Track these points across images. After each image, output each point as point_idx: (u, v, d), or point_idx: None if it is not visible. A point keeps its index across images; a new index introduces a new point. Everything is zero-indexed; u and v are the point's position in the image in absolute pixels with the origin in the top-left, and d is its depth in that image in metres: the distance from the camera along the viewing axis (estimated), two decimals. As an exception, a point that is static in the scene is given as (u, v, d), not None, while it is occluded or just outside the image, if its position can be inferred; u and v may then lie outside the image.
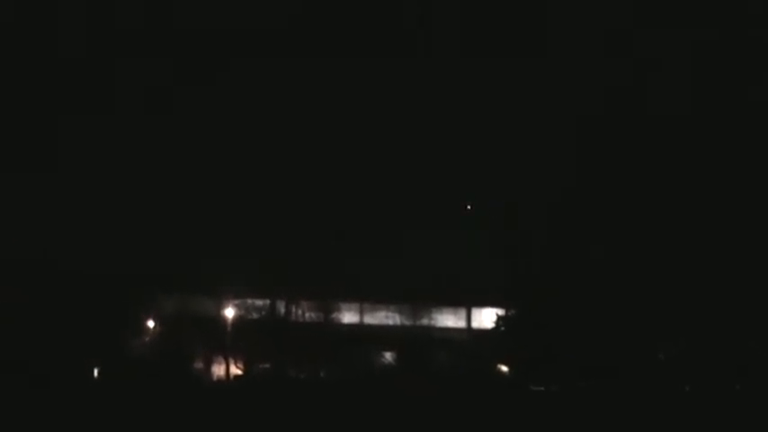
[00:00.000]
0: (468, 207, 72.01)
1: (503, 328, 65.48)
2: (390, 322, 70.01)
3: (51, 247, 63.62)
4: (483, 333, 68.32)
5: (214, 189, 69.79)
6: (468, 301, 71.35)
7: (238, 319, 66.56)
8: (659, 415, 51.58)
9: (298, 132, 70.95)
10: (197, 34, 70.58)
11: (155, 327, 66.97)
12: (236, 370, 66.78)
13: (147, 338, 66.85)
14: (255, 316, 67.41)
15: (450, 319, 71.62)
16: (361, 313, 71.04)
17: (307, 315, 67.36)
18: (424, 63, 70.92)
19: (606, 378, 58.54)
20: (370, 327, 69.92)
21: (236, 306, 67.05)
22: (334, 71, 71.61)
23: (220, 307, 66.82)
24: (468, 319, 72.32)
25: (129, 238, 65.89)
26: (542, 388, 62.82)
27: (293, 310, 67.34)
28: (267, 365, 66.84)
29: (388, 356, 67.55)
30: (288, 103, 71.43)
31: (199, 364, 67.09)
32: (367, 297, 70.34)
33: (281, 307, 67.61)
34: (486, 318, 68.89)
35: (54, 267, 62.70)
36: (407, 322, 69.51)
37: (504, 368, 66.38)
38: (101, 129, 68.41)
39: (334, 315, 68.06)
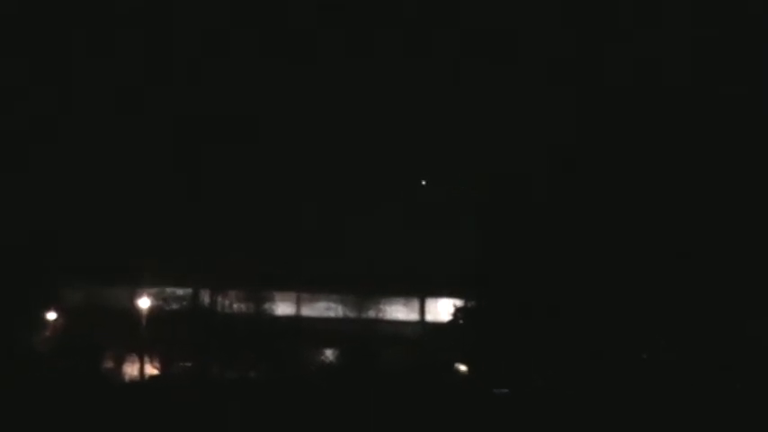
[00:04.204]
0: (423, 183, 69.84)
1: (461, 322, 61.66)
2: (332, 315, 68.22)
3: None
4: (438, 327, 65.47)
5: (133, 171, 67.56)
6: (422, 291, 69.76)
7: (155, 311, 63.11)
8: (648, 417, 46.79)
9: (232, 116, 69.68)
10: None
11: (57, 319, 63.22)
12: (151, 369, 63.43)
13: (47, 333, 63.04)
14: (175, 307, 64.42)
15: (400, 311, 69.96)
16: (298, 304, 69.41)
17: (235, 306, 64.55)
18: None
19: (582, 379, 53.19)
20: (309, 320, 68.07)
21: (153, 296, 63.71)
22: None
23: (134, 297, 63.69)
24: (422, 312, 70.79)
25: (27, 222, 62.49)
26: (506, 390, 57.42)
27: (219, 300, 64.67)
28: (188, 364, 63.45)
29: (329, 354, 65.18)
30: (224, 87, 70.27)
31: (108, 363, 63.40)
32: (305, 286, 68.42)
33: (206, 297, 65.07)
34: (442, 309, 66.13)
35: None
36: (351, 315, 67.54)
37: (463, 367, 62.88)
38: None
39: (267, 306, 65.34)
